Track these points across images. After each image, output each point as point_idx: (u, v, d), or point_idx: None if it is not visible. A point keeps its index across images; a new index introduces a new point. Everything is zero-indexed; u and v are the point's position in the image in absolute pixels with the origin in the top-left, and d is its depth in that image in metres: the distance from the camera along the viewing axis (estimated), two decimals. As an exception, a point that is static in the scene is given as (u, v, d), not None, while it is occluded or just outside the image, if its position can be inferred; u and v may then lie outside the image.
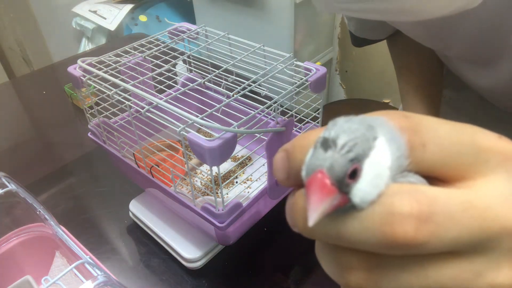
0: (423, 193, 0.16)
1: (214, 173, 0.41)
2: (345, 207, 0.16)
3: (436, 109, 0.63)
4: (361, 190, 0.16)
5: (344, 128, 0.16)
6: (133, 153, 0.52)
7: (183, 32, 0.59)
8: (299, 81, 0.48)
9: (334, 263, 0.18)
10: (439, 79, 0.63)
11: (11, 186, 0.46)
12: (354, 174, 0.16)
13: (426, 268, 0.16)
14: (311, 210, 0.15)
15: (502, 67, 0.46)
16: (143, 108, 0.44)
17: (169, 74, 0.51)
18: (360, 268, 0.17)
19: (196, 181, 0.60)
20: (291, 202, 0.19)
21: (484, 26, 0.43)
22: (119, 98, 0.47)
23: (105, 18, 1.73)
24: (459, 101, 0.67)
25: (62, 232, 0.46)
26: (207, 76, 0.49)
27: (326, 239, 0.17)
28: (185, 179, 0.55)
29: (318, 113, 0.54)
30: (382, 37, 0.64)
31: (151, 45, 0.56)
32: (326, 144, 0.16)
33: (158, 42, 0.57)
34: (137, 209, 0.58)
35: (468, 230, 0.16)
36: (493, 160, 0.17)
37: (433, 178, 0.18)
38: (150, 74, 0.50)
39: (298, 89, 0.48)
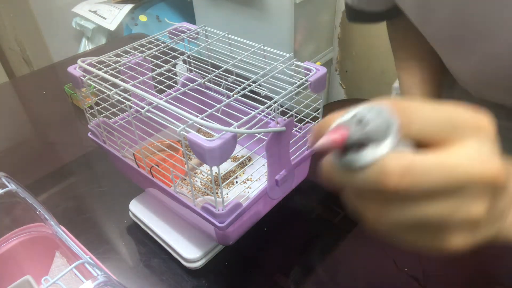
0: (404, 157, 0.23)
1: (214, 173, 0.41)
2: (351, 163, 0.24)
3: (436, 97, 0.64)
4: (355, 156, 0.24)
5: (372, 117, 0.23)
6: (133, 153, 0.52)
7: (183, 32, 0.60)
8: (299, 81, 0.48)
9: (358, 202, 0.27)
10: (440, 70, 0.63)
11: (11, 186, 0.46)
12: (360, 144, 0.24)
13: (416, 205, 0.24)
14: (324, 137, 0.23)
15: (474, 48, 0.50)
16: (143, 108, 0.44)
17: (169, 74, 0.51)
18: (373, 203, 0.26)
19: (196, 181, 0.60)
20: (323, 161, 0.26)
21: (458, 7, 0.46)
22: (119, 98, 0.47)
23: (105, 18, 1.73)
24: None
25: (62, 232, 0.46)
26: (207, 76, 0.49)
27: (346, 184, 0.26)
28: (185, 179, 0.55)
29: (318, 113, 0.54)
30: (379, 9, 0.62)
31: (151, 45, 0.56)
32: (355, 118, 0.23)
33: (158, 42, 0.57)
34: (137, 209, 0.58)
35: (440, 181, 0.23)
36: (467, 131, 0.24)
37: (422, 145, 0.25)
38: (150, 74, 0.50)
39: (298, 89, 0.48)
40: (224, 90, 0.48)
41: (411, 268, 0.52)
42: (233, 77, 0.50)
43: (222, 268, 0.54)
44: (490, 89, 0.56)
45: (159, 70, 0.50)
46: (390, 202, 0.25)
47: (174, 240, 0.54)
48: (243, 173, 0.61)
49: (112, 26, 1.70)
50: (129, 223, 0.61)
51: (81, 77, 0.50)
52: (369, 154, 0.23)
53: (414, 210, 0.24)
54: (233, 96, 0.45)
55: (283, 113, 0.46)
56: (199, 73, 0.58)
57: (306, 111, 0.53)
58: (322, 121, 0.26)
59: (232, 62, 0.51)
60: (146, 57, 0.54)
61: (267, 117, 0.51)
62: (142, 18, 1.73)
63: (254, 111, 0.43)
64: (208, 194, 0.54)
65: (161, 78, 0.51)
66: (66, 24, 1.91)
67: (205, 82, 0.48)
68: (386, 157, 0.23)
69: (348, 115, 0.24)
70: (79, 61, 0.52)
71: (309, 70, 0.50)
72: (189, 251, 0.52)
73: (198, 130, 0.64)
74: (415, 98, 0.64)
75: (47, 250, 0.51)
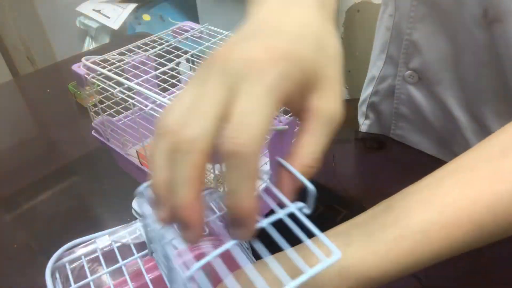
0: None
1: (216, 171, 0.41)
2: None
3: None
4: None
5: None
6: (137, 151, 0.53)
7: (187, 31, 0.60)
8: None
9: None
10: None
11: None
12: None
13: None
14: None
15: None
16: (146, 106, 0.44)
17: (173, 73, 0.51)
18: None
19: (199, 179, 0.60)
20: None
21: None
22: (123, 96, 0.47)
23: (108, 17, 1.74)
24: None
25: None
26: (210, 75, 0.49)
27: None
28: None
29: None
30: None
31: (154, 44, 0.57)
32: None
33: (162, 41, 0.57)
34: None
35: None
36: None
37: None
38: (154, 72, 0.50)
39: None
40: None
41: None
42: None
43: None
44: None
45: (162, 69, 0.51)
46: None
47: (177, 238, 0.54)
48: (246, 172, 0.62)
49: (116, 25, 1.70)
50: (132, 221, 0.61)
51: (85, 75, 0.51)
52: None
53: None
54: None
55: (286, 112, 0.46)
56: (202, 72, 0.58)
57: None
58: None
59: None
60: (149, 55, 0.54)
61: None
62: (146, 17, 1.73)
63: (257, 109, 0.43)
64: (210, 193, 0.54)
65: (164, 77, 0.51)
66: (70, 23, 1.92)
67: (208, 81, 0.48)
68: None
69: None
70: (83, 60, 0.52)
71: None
72: (192, 249, 0.53)
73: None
74: None
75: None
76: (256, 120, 0.22)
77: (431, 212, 0.29)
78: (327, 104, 0.26)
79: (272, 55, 0.24)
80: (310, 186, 0.26)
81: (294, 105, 0.27)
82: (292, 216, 0.26)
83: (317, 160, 0.26)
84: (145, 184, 0.28)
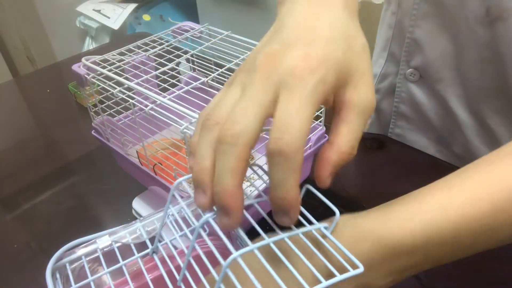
0: None
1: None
2: None
3: None
4: None
5: None
6: (137, 151, 0.53)
7: (187, 31, 0.60)
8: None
9: None
10: None
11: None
12: None
13: None
14: None
15: None
16: (146, 106, 0.44)
17: (173, 73, 0.51)
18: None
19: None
20: None
21: None
22: (123, 96, 0.47)
23: (109, 17, 1.74)
24: None
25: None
26: (210, 75, 0.50)
27: None
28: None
29: (321, 112, 0.54)
30: None
31: (154, 44, 0.57)
32: None
33: (162, 41, 0.57)
34: (140, 207, 0.59)
35: None
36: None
37: None
38: (154, 72, 0.50)
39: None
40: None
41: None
42: (236, 76, 0.50)
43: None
44: None
45: (162, 69, 0.51)
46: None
47: (177, 238, 0.54)
48: (246, 171, 0.62)
49: (116, 25, 1.70)
50: (132, 221, 0.61)
51: (85, 75, 0.51)
52: None
53: None
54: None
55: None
56: (203, 72, 0.58)
57: (309, 110, 0.53)
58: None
59: (235, 61, 0.51)
60: (149, 55, 0.54)
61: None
62: (146, 17, 1.73)
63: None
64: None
65: (164, 77, 0.51)
66: (70, 23, 1.92)
67: (209, 81, 0.48)
68: None
69: None
70: (83, 59, 0.52)
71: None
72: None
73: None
74: None
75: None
76: (298, 122, 0.25)
77: (451, 193, 0.30)
78: (360, 95, 0.28)
79: (310, 63, 0.26)
80: (336, 211, 0.29)
81: (330, 101, 0.29)
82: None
83: (354, 147, 0.28)
84: (184, 177, 0.31)
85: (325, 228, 0.29)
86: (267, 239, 0.27)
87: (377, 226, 0.30)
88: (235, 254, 0.24)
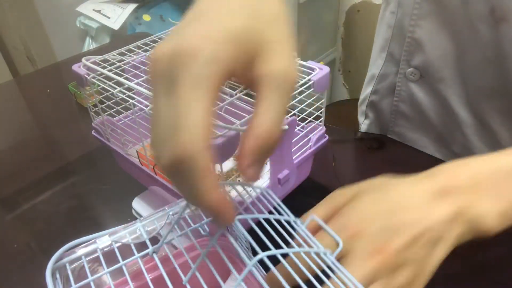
0: None
1: (216, 172, 0.41)
2: None
3: None
4: None
5: None
6: (137, 151, 0.53)
7: (187, 31, 0.60)
8: (302, 80, 0.49)
9: None
10: None
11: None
12: None
13: None
14: None
15: None
16: (147, 106, 0.44)
17: (173, 73, 0.51)
18: None
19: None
20: None
21: None
22: (123, 96, 0.47)
23: (109, 18, 1.74)
24: None
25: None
26: (210, 75, 0.49)
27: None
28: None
29: (321, 113, 0.54)
30: None
31: (155, 44, 0.57)
32: None
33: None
34: (141, 207, 0.59)
35: None
36: None
37: None
38: (154, 72, 0.50)
39: (301, 88, 0.48)
40: (227, 89, 0.48)
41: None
42: (236, 76, 0.50)
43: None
44: None
45: (162, 69, 0.51)
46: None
47: (177, 238, 0.54)
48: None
49: (116, 26, 1.70)
50: (132, 221, 0.61)
51: (85, 76, 0.51)
52: None
53: None
54: (236, 94, 0.45)
55: (286, 112, 0.46)
56: (203, 72, 0.58)
57: (309, 110, 0.54)
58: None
59: (235, 61, 0.51)
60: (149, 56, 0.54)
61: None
62: (146, 17, 1.73)
63: (257, 109, 0.43)
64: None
65: (164, 77, 0.51)
66: (70, 23, 1.92)
67: (209, 81, 0.48)
68: None
69: None
70: (83, 60, 0.52)
71: (312, 69, 0.50)
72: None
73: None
74: None
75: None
76: (189, 120, 0.22)
77: (484, 164, 0.35)
78: (273, 66, 0.25)
79: (191, 43, 0.23)
80: (340, 242, 0.31)
81: (243, 79, 0.26)
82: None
83: (273, 129, 0.24)
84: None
85: (328, 253, 0.30)
86: (286, 249, 0.27)
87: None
88: (261, 254, 0.24)
